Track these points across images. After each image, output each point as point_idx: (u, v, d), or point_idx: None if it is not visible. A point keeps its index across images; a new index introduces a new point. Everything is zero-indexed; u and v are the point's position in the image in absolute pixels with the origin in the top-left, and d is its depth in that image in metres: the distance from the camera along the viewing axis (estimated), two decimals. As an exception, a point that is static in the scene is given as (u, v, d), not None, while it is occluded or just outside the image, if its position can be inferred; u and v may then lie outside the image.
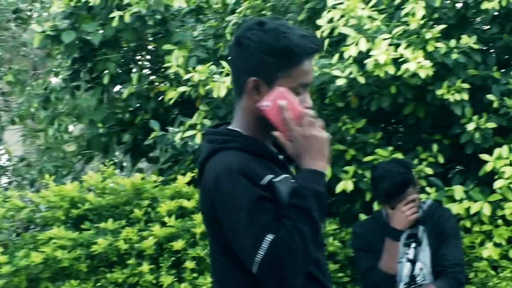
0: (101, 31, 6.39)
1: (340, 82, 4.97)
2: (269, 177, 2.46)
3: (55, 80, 8.03)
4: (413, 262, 4.56)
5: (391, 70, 4.93)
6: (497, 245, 5.11)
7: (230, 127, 2.61)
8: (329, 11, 5.37)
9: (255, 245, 2.36)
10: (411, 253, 4.56)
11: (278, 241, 2.35)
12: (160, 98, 6.51)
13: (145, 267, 4.82)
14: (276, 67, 2.51)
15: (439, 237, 4.57)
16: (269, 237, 2.35)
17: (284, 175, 2.52)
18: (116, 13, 6.12)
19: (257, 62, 2.51)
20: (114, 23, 6.11)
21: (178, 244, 4.88)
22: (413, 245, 4.56)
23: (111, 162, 5.69)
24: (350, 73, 5.01)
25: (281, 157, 2.61)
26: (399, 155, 5.17)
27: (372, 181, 4.66)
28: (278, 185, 2.47)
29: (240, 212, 2.39)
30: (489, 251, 5.06)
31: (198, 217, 4.98)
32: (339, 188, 5.16)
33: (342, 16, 5.26)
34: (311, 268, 2.48)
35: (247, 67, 2.53)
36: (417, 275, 4.56)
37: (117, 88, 6.99)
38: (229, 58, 2.58)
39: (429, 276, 4.57)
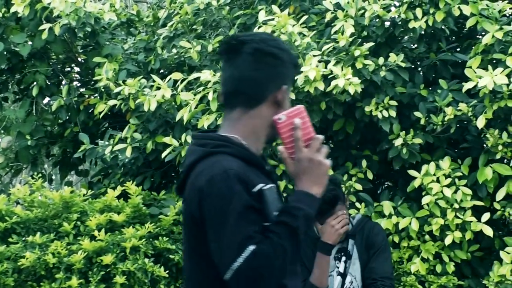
0: (30, 43, 6.33)
1: (271, 97, 4.99)
2: (260, 185, 2.48)
3: (-18, 91, 7.89)
4: (343, 275, 4.61)
5: (321, 86, 4.99)
6: (424, 260, 5.20)
7: (221, 133, 2.63)
8: (260, 26, 5.42)
9: (235, 252, 2.36)
10: (341, 267, 4.62)
11: (260, 253, 2.36)
12: (90, 111, 6.46)
13: (74, 281, 4.77)
14: (291, 77, 2.67)
15: (369, 251, 4.64)
16: (251, 248, 2.36)
17: (270, 185, 2.53)
18: (45, 25, 6.05)
19: (288, 71, 2.63)
20: (44, 35, 6.04)
21: (107, 258, 4.84)
22: (343, 258, 4.62)
23: (40, 175, 5.60)
24: (281, 89, 5.04)
25: (268, 167, 2.64)
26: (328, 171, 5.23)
27: (301, 197, 4.69)
28: (267, 193, 2.49)
29: (228, 217, 2.40)
30: (416, 266, 5.14)
31: (128, 231, 4.96)
32: (269, 202, 5.18)
33: (273, 32, 5.30)
34: None
35: (280, 75, 2.60)
36: (347, 288, 4.61)
37: (46, 100, 6.92)
38: (230, 70, 2.63)
39: (358, 289, 4.62)
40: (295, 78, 2.54)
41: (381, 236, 4.71)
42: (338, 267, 4.61)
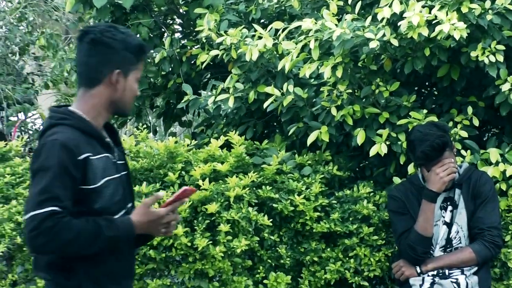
0: (132, -4, 6.37)
1: (373, 44, 4.92)
2: (86, 154, 3.06)
3: (87, 45, 8.01)
4: (449, 225, 4.56)
5: (425, 32, 4.88)
6: (533, 207, 5.09)
7: (70, 108, 3.20)
8: (362, -26, 5.32)
9: (36, 204, 2.92)
10: (447, 216, 4.56)
11: (56, 216, 2.91)
12: (192, 62, 6.50)
13: (180, 230, 4.85)
14: (131, 62, 3.22)
15: (475, 200, 4.56)
16: (53, 208, 2.91)
17: (104, 154, 3.16)
18: (147, -23, 6.10)
19: (120, 57, 3.18)
20: (145, -13, 6.09)
21: (212, 207, 4.90)
22: (450, 208, 4.56)
23: (144, 126, 5.69)
24: (383, 36, 4.96)
25: (107, 140, 3.25)
26: (433, 118, 5.14)
27: (409, 144, 4.64)
28: (95, 162, 3.08)
29: (47, 173, 2.95)
30: (525, 212, 5.04)
31: (232, 180, 5.00)
32: (373, 151, 5.13)
33: (375, -22, 5.21)
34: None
35: (111, 61, 3.16)
36: (453, 238, 4.56)
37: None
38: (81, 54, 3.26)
39: (465, 239, 4.57)
40: (143, 60, 3.34)
41: (489, 185, 4.62)
42: (444, 217, 4.55)
